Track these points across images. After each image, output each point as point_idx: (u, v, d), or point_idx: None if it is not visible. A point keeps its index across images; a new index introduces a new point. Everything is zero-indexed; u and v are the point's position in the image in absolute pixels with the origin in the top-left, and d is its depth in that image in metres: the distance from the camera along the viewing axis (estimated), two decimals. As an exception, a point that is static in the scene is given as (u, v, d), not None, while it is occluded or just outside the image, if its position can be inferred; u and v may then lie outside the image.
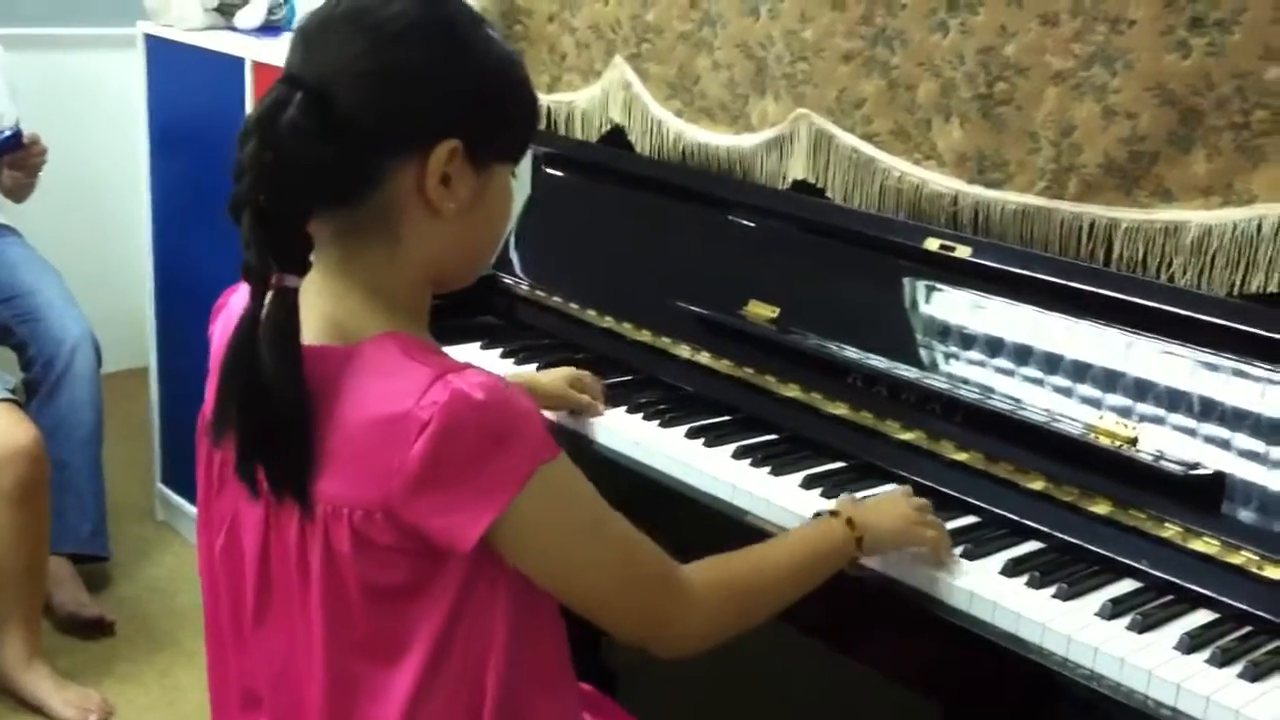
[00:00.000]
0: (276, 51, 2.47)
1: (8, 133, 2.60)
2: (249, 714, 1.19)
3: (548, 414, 1.65)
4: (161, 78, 2.83)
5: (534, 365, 1.88)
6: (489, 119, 1.10)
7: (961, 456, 1.52)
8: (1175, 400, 1.40)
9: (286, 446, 1.05)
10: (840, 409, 1.64)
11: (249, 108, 2.51)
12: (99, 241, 3.61)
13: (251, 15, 2.70)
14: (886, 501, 1.39)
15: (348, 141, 1.03)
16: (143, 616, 2.71)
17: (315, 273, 1.07)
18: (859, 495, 1.46)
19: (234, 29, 2.72)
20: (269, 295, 1.03)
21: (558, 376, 1.72)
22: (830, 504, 1.39)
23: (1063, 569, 1.36)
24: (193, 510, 2.91)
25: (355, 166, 1.05)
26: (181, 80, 2.77)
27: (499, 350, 1.95)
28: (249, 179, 1.02)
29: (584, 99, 2.21)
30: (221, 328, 1.19)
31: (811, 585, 1.27)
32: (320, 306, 1.08)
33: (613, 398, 1.75)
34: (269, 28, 2.72)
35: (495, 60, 1.11)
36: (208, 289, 1.29)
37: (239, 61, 2.53)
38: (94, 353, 2.69)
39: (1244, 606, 1.28)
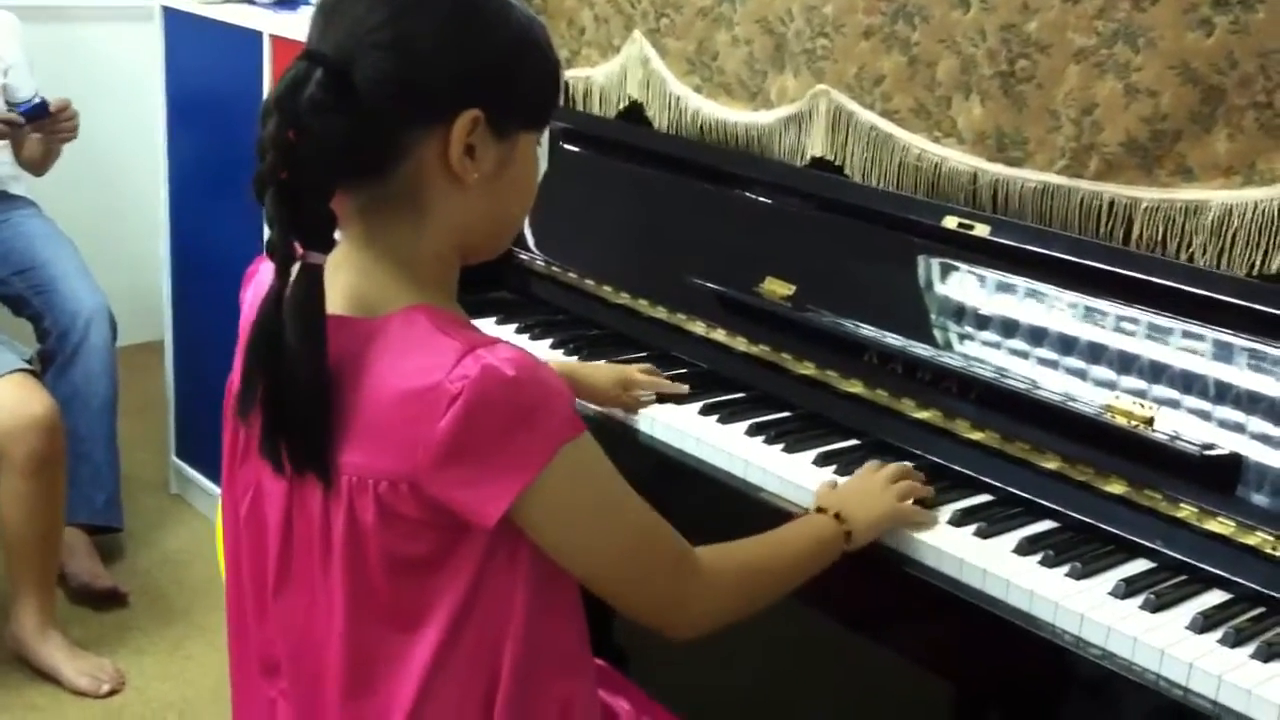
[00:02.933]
0: (294, 25, 2.46)
1: (34, 101, 2.60)
2: (268, 681, 1.20)
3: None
4: (179, 51, 2.83)
5: (548, 342, 1.88)
6: (510, 87, 1.09)
7: (976, 435, 1.51)
8: (1192, 381, 1.39)
9: (309, 422, 1.05)
10: (855, 387, 1.64)
11: (266, 81, 2.51)
12: (115, 214, 3.62)
13: (269, -12, 2.69)
14: (865, 486, 1.40)
15: (369, 115, 1.03)
16: (156, 588, 2.73)
17: (341, 246, 1.06)
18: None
19: (251, 2, 2.71)
20: (294, 272, 1.03)
21: (607, 376, 1.69)
22: (814, 501, 1.40)
23: (1077, 548, 1.36)
24: (206, 484, 2.93)
25: (377, 140, 1.05)
26: (199, 53, 2.77)
27: (514, 325, 1.95)
28: (271, 157, 1.01)
29: (602, 74, 2.20)
30: (252, 295, 1.19)
31: (809, 575, 1.29)
32: (347, 280, 1.08)
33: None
34: (286, 1, 2.71)
35: (514, 27, 1.09)
36: (223, 263, 1.29)
37: (256, 35, 2.53)
38: (109, 325, 2.70)
39: (1258, 587, 1.28)
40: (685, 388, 1.71)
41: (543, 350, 1.86)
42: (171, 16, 2.81)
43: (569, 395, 1.06)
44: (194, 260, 2.92)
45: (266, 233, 1.05)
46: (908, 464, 1.48)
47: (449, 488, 1.03)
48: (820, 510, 1.35)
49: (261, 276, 1.19)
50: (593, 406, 1.67)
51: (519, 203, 1.17)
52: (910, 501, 1.40)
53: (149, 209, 3.03)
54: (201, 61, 2.77)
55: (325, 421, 1.04)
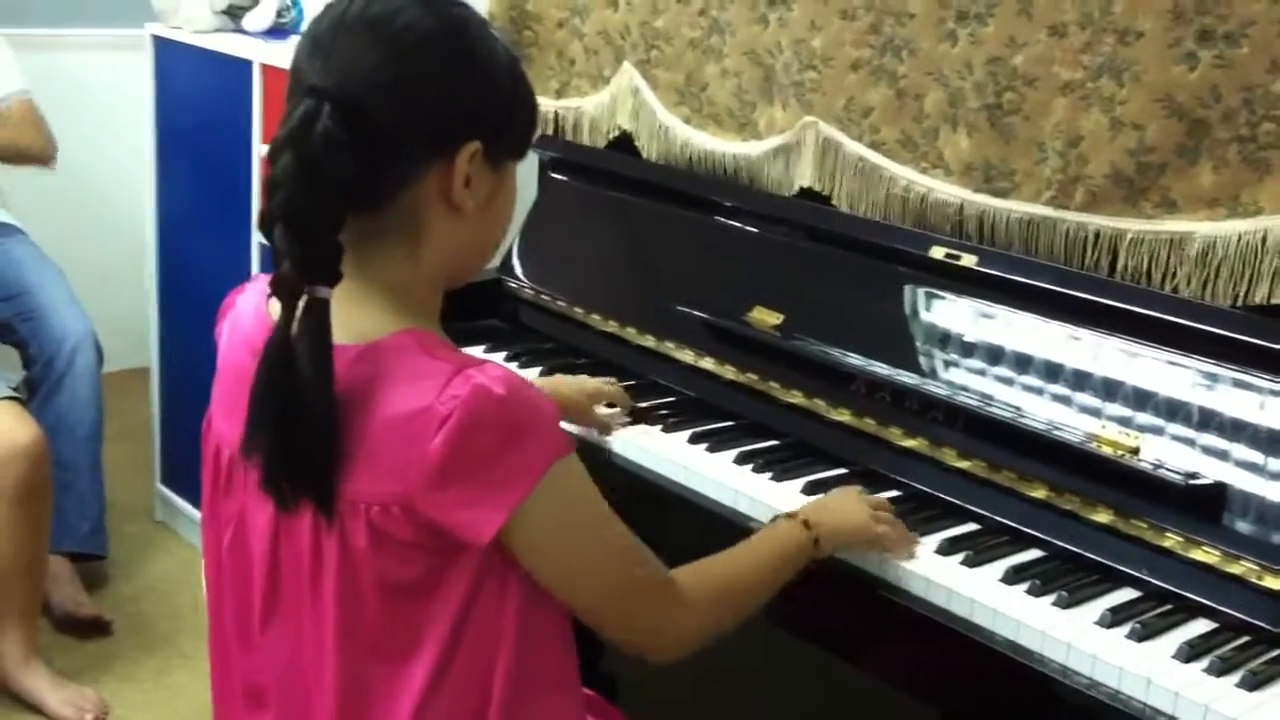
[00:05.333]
0: (284, 54, 2.46)
1: None
2: (253, 712, 1.19)
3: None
4: (169, 80, 2.83)
5: (537, 369, 1.89)
6: (504, 119, 1.12)
7: (963, 464, 1.52)
8: (1177, 410, 1.40)
9: (318, 454, 1.05)
10: (843, 415, 1.64)
11: (257, 110, 2.51)
12: (103, 241, 3.61)
13: (260, 18, 2.70)
14: (840, 499, 1.42)
15: (379, 150, 1.04)
16: (140, 616, 2.71)
17: None
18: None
19: (242, 31, 2.72)
20: (300, 306, 1.03)
21: (579, 389, 1.70)
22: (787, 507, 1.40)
23: (1063, 577, 1.36)
24: (192, 511, 2.92)
25: (386, 173, 1.06)
26: (189, 82, 2.77)
27: (503, 354, 1.95)
28: (284, 193, 1.02)
29: (592, 105, 2.22)
30: (229, 328, 1.20)
31: (778, 586, 1.29)
32: (338, 309, 1.08)
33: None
34: (277, 30, 2.72)
35: (504, 61, 1.13)
36: (211, 290, 1.29)
37: (247, 64, 2.54)
38: (95, 352, 2.69)
39: (1243, 616, 1.28)
40: (641, 406, 1.73)
41: (531, 378, 1.86)
42: (162, 45, 2.81)
43: (557, 413, 1.08)
44: (181, 287, 2.91)
45: (256, 264, 1.05)
46: (886, 497, 1.48)
47: (443, 508, 1.03)
48: (789, 516, 1.35)
49: (239, 310, 1.19)
50: (574, 430, 1.68)
51: (503, 227, 1.20)
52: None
53: (137, 236, 3.03)
54: (191, 90, 2.77)
55: (333, 452, 1.05)
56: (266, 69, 2.49)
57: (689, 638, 1.20)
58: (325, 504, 1.06)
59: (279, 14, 2.73)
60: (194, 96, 2.77)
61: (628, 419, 1.71)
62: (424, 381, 1.03)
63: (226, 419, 1.15)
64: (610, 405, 1.72)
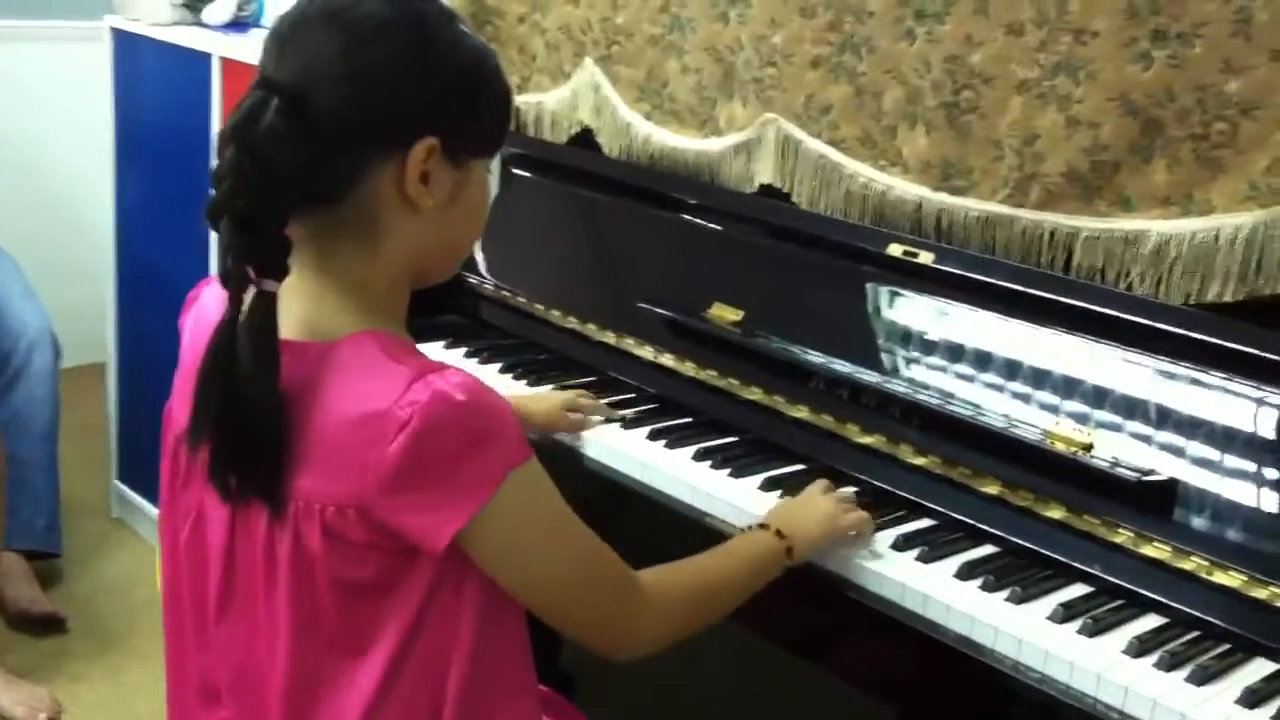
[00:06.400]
0: (244, 47, 2.45)
1: None
2: (208, 708, 1.18)
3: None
4: (128, 72, 2.81)
5: (497, 365, 1.88)
6: (465, 115, 1.10)
7: (920, 461, 1.53)
8: (1131, 407, 1.41)
9: (261, 450, 1.04)
10: (801, 412, 1.64)
11: (216, 104, 2.49)
12: (62, 235, 3.58)
13: (220, 10, 2.68)
14: (809, 503, 1.41)
15: (326, 143, 1.03)
16: (95, 614, 2.68)
17: (291, 273, 1.06)
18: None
19: (202, 24, 2.70)
20: (247, 299, 1.03)
21: (547, 405, 1.69)
22: (759, 517, 1.40)
23: (1016, 573, 1.37)
24: (149, 508, 2.89)
25: (334, 167, 1.05)
26: (148, 75, 2.75)
27: (463, 349, 1.94)
28: (228, 185, 1.01)
29: (553, 100, 2.21)
30: (193, 321, 1.18)
31: (749, 594, 1.29)
32: (297, 305, 1.07)
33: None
34: (237, 23, 2.70)
35: (469, 56, 1.10)
36: (170, 285, 1.28)
37: (206, 57, 2.52)
38: (53, 348, 2.67)
39: (1193, 611, 1.29)
40: (625, 414, 1.71)
41: (491, 374, 1.85)
42: (121, 38, 2.79)
43: (517, 420, 1.07)
44: (141, 281, 2.89)
45: (215, 259, 1.04)
46: (852, 490, 1.49)
47: (399, 513, 1.02)
48: (763, 526, 1.35)
49: (204, 303, 1.18)
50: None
51: (470, 229, 1.18)
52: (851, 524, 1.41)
53: (96, 230, 3.00)
54: (151, 83, 2.75)
55: (277, 447, 1.04)
56: (226, 62, 2.48)
57: (651, 637, 1.19)
58: (273, 500, 1.05)
59: (239, 7, 2.71)
60: (153, 90, 2.75)
61: (601, 420, 1.70)
62: (383, 384, 1.02)
63: (187, 411, 1.14)
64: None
